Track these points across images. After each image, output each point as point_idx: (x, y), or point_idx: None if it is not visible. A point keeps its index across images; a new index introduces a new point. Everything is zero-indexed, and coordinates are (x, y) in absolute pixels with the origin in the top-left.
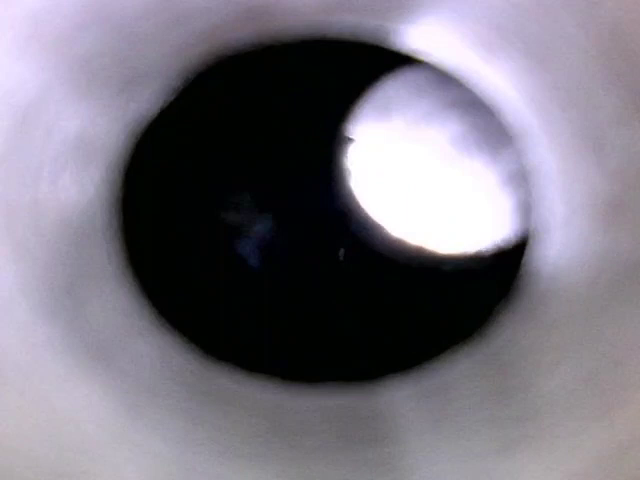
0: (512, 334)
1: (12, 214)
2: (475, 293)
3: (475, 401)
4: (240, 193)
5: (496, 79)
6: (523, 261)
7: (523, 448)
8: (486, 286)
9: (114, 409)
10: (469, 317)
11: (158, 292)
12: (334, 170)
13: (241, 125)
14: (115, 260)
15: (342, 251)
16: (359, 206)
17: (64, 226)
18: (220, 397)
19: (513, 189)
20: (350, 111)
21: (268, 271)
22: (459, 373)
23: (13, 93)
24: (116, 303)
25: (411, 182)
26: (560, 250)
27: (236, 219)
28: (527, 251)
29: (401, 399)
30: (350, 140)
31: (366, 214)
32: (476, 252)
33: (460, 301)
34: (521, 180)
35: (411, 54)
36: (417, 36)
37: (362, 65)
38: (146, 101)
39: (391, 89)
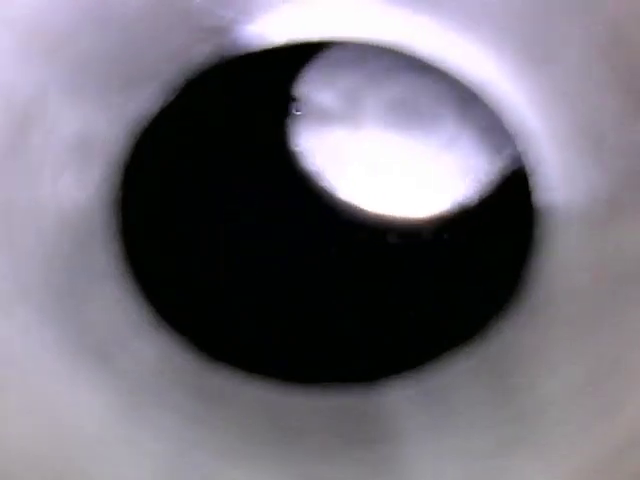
0: (512, 334)
1: (12, 214)
2: (475, 293)
3: (475, 401)
4: (240, 193)
5: (496, 79)
6: (523, 259)
7: (523, 448)
8: (486, 286)
9: (114, 409)
10: (469, 318)
11: (158, 292)
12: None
13: (241, 125)
14: (115, 260)
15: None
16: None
17: (64, 226)
18: (220, 397)
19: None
20: None
21: (268, 271)
22: (459, 373)
23: (13, 93)
24: (116, 303)
25: (363, 153)
26: (560, 250)
27: (236, 219)
28: (528, 249)
29: (401, 399)
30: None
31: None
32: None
33: (460, 302)
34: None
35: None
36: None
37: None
38: (146, 101)
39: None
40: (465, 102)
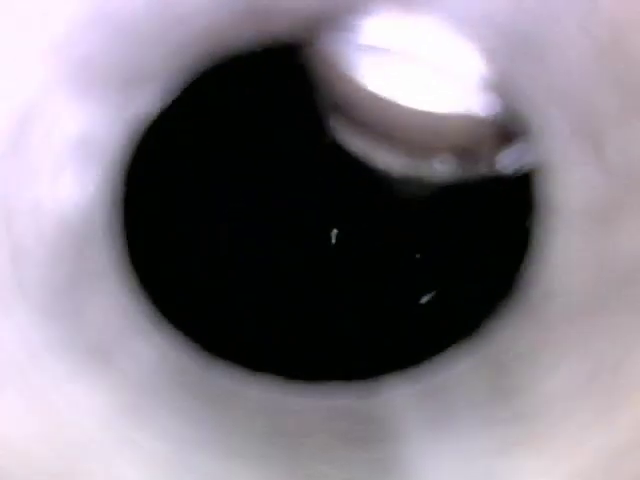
0: (512, 334)
1: (12, 214)
2: (475, 293)
3: (475, 401)
4: (240, 193)
5: (496, 79)
6: (523, 259)
7: (523, 448)
8: (486, 285)
9: (114, 409)
10: (469, 317)
11: (158, 292)
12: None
13: (242, 125)
14: (115, 260)
15: (334, 232)
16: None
17: (64, 226)
18: (220, 397)
19: None
20: None
21: (269, 270)
22: (459, 373)
23: (13, 93)
24: (116, 303)
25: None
26: (560, 249)
27: (236, 219)
28: (527, 248)
29: (401, 399)
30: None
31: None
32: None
33: (460, 301)
34: None
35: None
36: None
37: None
38: (147, 101)
39: None
40: None
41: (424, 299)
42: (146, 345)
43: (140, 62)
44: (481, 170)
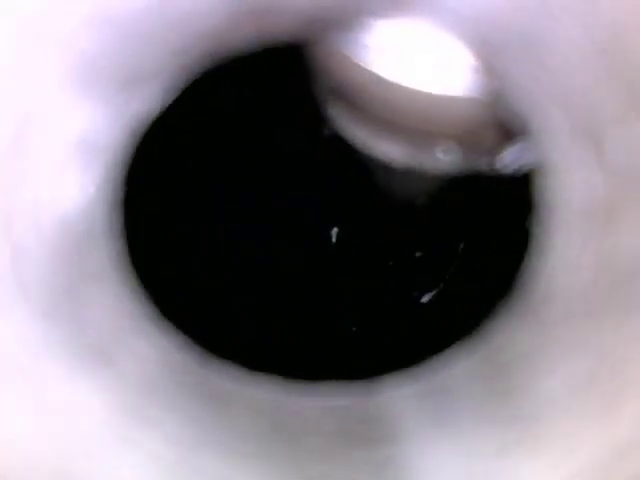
0: (512, 334)
1: (12, 214)
2: (475, 292)
3: (475, 401)
4: (240, 193)
5: (496, 79)
6: (523, 259)
7: (523, 448)
8: (486, 285)
9: (114, 409)
10: (469, 316)
11: (158, 292)
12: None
13: (242, 125)
14: (116, 260)
15: (335, 230)
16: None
17: (64, 226)
18: (220, 397)
19: None
20: None
21: (268, 270)
22: (459, 372)
23: (13, 93)
24: (116, 303)
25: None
26: (560, 249)
27: (236, 219)
28: (527, 248)
29: (401, 398)
30: None
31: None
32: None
33: (459, 300)
34: None
35: None
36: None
37: None
38: (147, 101)
39: None
40: None
41: (425, 299)
42: (146, 345)
43: (140, 62)
44: (483, 162)
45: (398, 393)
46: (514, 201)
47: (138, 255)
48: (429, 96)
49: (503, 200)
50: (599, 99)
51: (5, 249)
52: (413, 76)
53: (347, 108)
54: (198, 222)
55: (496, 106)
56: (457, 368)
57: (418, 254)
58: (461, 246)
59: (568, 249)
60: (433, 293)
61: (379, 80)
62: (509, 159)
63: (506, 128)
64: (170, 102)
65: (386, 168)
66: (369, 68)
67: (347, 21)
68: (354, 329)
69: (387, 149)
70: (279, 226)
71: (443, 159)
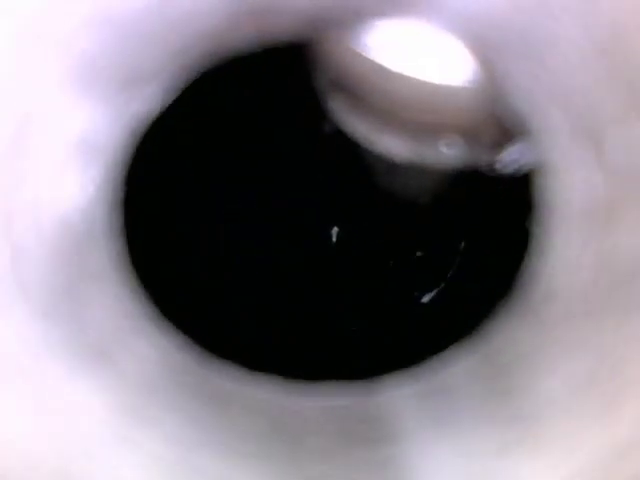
0: (512, 333)
1: (12, 214)
2: (475, 292)
3: (475, 401)
4: (240, 193)
5: (496, 77)
6: (523, 259)
7: (523, 448)
8: (486, 285)
9: (114, 409)
10: (469, 316)
11: (158, 292)
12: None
13: (241, 125)
14: (116, 260)
15: (335, 230)
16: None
17: (64, 226)
18: (220, 397)
19: None
20: None
21: (268, 270)
22: (459, 372)
23: (13, 93)
24: (116, 303)
25: None
26: (560, 249)
27: (236, 219)
28: (527, 248)
29: (401, 398)
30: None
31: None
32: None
33: (460, 300)
34: None
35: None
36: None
37: None
38: (147, 101)
39: None
40: None
41: (425, 298)
42: (146, 345)
43: (140, 62)
44: (486, 156)
45: (398, 393)
46: (514, 201)
47: (138, 255)
48: (431, 86)
49: (503, 200)
50: (599, 99)
51: (5, 249)
52: (414, 68)
53: (348, 100)
54: (198, 222)
55: (497, 101)
56: (457, 368)
57: (418, 254)
58: (461, 246)
59: (568, 249)
60: (433, 293)
61: (381, 70)
62: (509, 159)
63: (507, 124)
64: (170, 102)
65: (388, 164)
66: (370, 56)
67: (347, 21)
68: (354, 329)
69: (389, 143)
70: (279, 226)
71: (446, 153)
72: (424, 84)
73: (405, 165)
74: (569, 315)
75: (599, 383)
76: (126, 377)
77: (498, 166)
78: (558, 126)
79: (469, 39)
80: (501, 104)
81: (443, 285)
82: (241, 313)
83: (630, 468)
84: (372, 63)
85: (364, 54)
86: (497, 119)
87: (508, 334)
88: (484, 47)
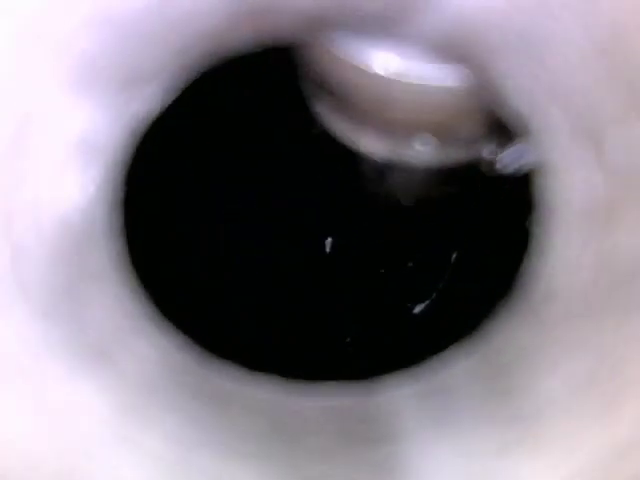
0: (512, 334)
1: (12, 214)
2: (475, 292)
3: (475, 401)
4: (240, 193)
5: (496, 79)
6: (523, 259)
7: (523, 448)
8: (486, 285)
9: (114, 409)
10: (469, 316)
11: (158, 292)
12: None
13: (241, 125)
14: (116, 260)
15: (329, 240)
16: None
17: (64, 226)
18: (220, 397)
19: None
20: None
21: (268, 270)
22: (459, 372)
23: (13, 93)
24: (116, 303)
25: None
26: (560, 249)
27: (236, 219)
28: (527, 248)
29: (401, 399)
30: None
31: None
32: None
33: (459, 300)
34: None
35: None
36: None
37: None
38: (147, 101)
39: None
40: None
41: (425, 300)
42: (146, 345)
43: (140, 62)
44: (463, 153)
45: (398, 393)
46: (514, 201)
47: (138, 255)
48: (401, 84)
49: (503, 200)
50: (599, 99)
51: (5, 249)
52: (391, 65)
53: (331, 102)
54: (198, 222)
55: (474, 96)
56: (457, 368)
57: (419, 255)
58: (462, 246)
59: (568, 249)
60: (434, 293)
61: (356, 70)
62: (509, 159)
63: (484, 119)
64: (170, 102)
65: (376, 166)
66: (354, 61)
67: (348, 20)
68: (354, 329)
69: (368, 143)
70: (279, 226)
71: (421, 151)
72: (392, 82)
73: (389, 165)
74: (569, 315)
75: (599, 383)
76: (126, 377)
77: (498, 166)
78: (558, 126)
79: (469, 39)
80: (478, 101)
81: (443, 285)
82: (241, 313)
83: (630, 468)
84: (354, 67)
85: (341, 56)
86: (472, 116)
87: (508, 334)
88: (484, 47)
